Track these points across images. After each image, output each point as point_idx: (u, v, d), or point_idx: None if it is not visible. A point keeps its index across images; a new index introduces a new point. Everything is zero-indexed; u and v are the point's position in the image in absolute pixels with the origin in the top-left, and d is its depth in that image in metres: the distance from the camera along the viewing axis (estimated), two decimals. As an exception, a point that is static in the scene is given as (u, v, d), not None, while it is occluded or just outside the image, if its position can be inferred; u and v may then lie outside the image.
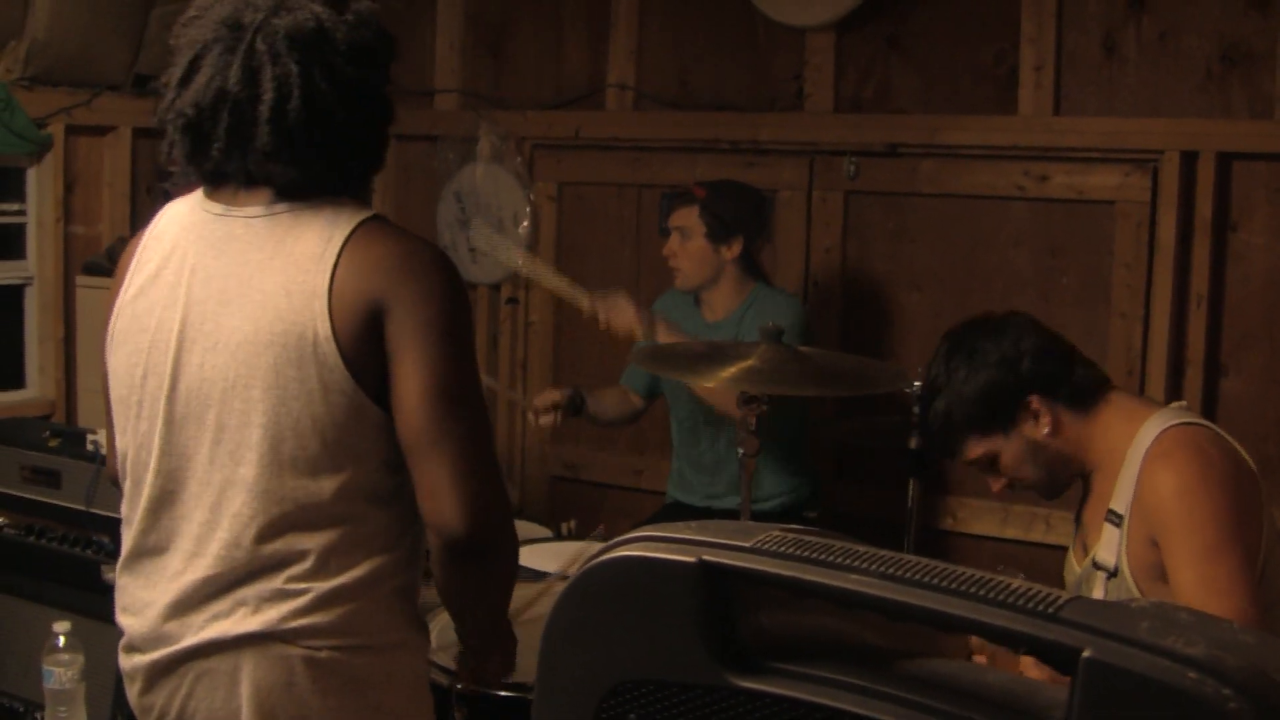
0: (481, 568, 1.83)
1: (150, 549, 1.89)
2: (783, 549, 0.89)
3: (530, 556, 3.12)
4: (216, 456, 1.82)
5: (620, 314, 3.54)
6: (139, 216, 4.55)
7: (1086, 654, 0.77)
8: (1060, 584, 2.52)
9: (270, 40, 1.78)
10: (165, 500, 1.86)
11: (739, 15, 4.29)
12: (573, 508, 4.29)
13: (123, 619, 1.93)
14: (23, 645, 3.32)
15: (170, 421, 1.84)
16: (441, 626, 2.52)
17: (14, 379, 4.48)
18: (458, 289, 1.85)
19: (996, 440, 2.38)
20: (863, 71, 4.19)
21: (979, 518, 4.09)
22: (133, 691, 1.92)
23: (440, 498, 1.75)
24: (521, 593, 2.43)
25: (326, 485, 1.80)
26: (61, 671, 2.79)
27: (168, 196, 2.02)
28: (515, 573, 1.95)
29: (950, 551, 4.09)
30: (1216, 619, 0.84)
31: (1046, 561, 2.84)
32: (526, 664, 1.69)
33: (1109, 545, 2.29)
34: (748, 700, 0.89)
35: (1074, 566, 2.47)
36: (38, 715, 3.18)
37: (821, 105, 4.23)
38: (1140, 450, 2.26)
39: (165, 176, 4.60)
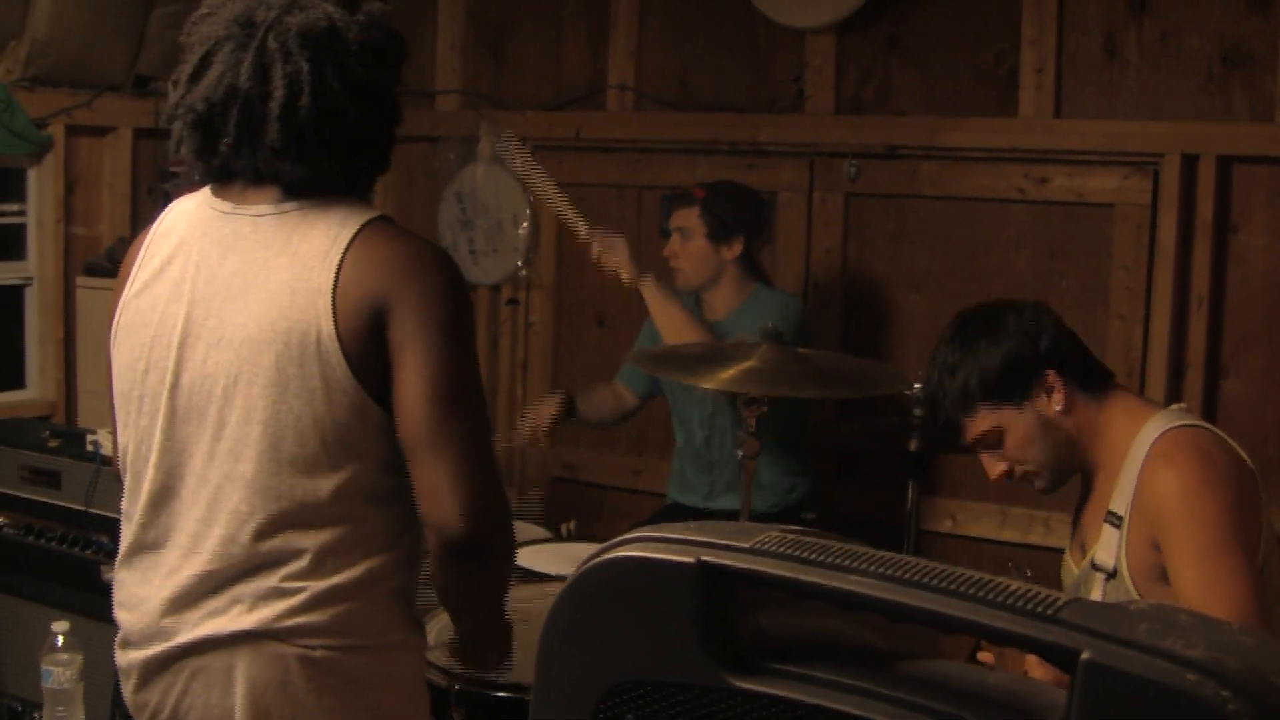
0: (480, 567, 1.83)
1: (149, 544, 1.89)
2: (781, 550, 0.89)
3: (529, 558, 3.12)
4: (216, 453, 1.82)
5: (614, 253, 3.56)
6: (139, 217, 4.56)
7: (1085, 656, 0.77)
8: (1058, 586, 2.52)
9: (282, 38, 1.79)
10: (165, 496, 1.87)
11: (739, 16, 4.29)
12: (572, 509, 4.28)
13: (119, 614, 1.93)
14: (22, 645, 3.33)
15: (171, 417, 1.85)
16: (439, 626, 2.52)
17: (14, 380, 4.48)
18: (461, 291, 1.85)
19: (1008, 413, 2.35)
20: (863, 73, 4.19)
21: (978, 520, 4.09)
22: (128, 688, 1.92)
23: (440, 498, 1.75)
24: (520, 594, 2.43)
25: (325, 484, 1.80)
26: (60, 671, 2.79)
27: (168, 197, 2.03)
28: (511, 572, 1.95)
29: (949, 553, 4.09)
30: (1216, 621, 0.84)
31: (1045, 563, 2.83)
32: (525, 664, 1.69)
33: (1108, 546, 2.29)
34: (746, 701, 0.89)
35: (1071, 568, 2.46)
36: (36, 715, 3.19)
37: (822, 107, 4.23)
38: (1141, 451, 2.26)
39: (166, 177, 4.60)
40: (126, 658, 1.91)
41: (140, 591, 1.89)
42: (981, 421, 2.38)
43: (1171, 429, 2.26)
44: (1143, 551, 2.23)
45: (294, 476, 1.79)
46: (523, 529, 3.39)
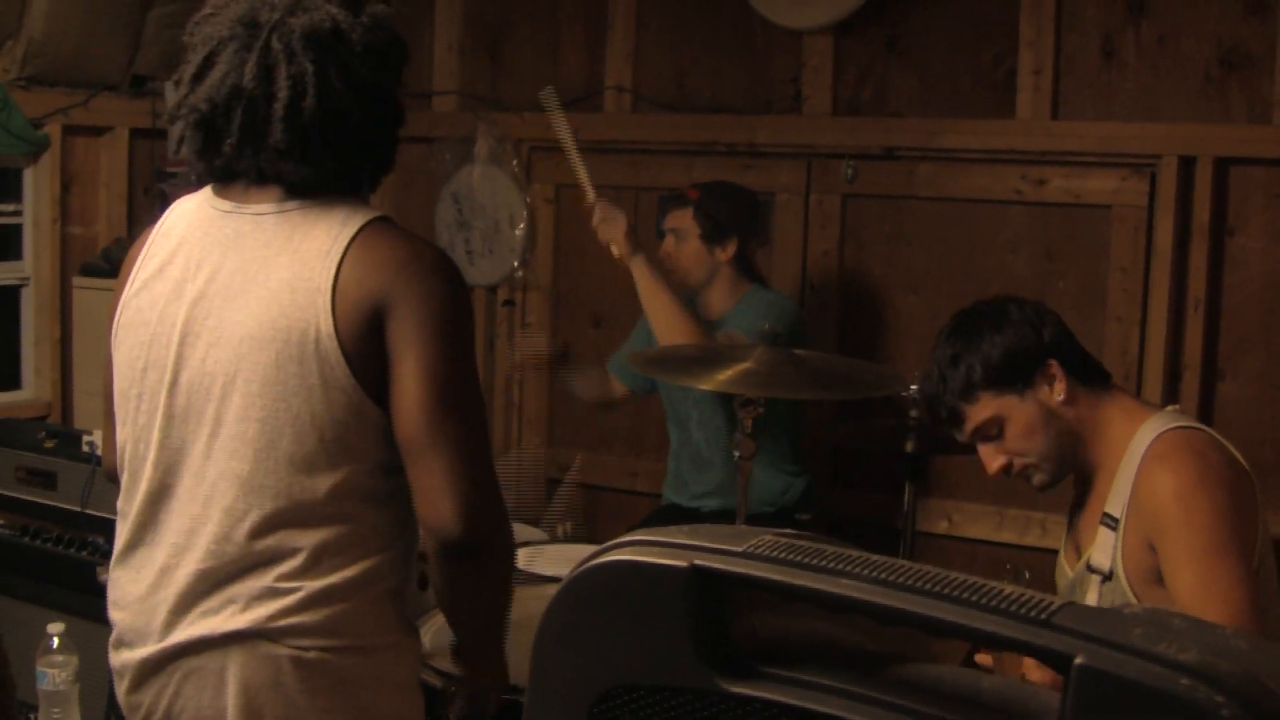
0: (476, 569, 1.83)
1: (144, 543, 1.89)
2: (774, 554, 0.89)
3: (524, 559, 3.12)
4: (212, 450, 1.82)
5: (611, 226, 3.55)
6: (136, 217, 4.55)
7: (1079, 660, 0.77)
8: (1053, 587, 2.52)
9: (286, 39, 1.79)
10: (162, 494, 1.87)
11: (737, 18, 4.29)
12: (568, 511, 4.28)
13: (113, 613, 1.93)
14: (17, 646, 3.32)
15: (170, 415, 1.85)
16: (436, 629, 2.51)
17: (10, 380, 4.48)
18: (460, 292, 1.86)
19: (1010, 401, 2.35)
20: (860, 74, 4.19)
21: (974, 521, 4.09)
22: (121, 689, 1.92)
23: (436, 499, 1.75)
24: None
25: (322, 483, 1.80)
26: (55, 673, 2.78)
27: (164, 197, 2.04)
28: (511, 575, 1.95)
29: (945, 555, 4.08)
30: (1210, 625, 0.84)
31: (1043, 565, 2.83)
32: (520, 666, 1.69)
33: (1104, 548, 2.29)
34: (739, 705, 0.89)
35: (1066, 570, 2.46)
36: (32, 716, 3.18)
37: (819, 108, 4.23)
38: (1137, 453, 2.26)
39: (163, 177, 4.60)
40: (120, 658, 1.91)
41: (134, 590, 1.89)
42: (983, 409, 2.37)
43: (1168, 431, 2.26)
44: (1139, 553, 2.23)
45: (291, 475, 1.79)
46: (519, 531, 3.39)
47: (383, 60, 1.87)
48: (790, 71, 4.28)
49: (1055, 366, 2.34)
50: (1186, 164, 3.70)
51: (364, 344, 1.78)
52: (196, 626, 1.82)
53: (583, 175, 3.65)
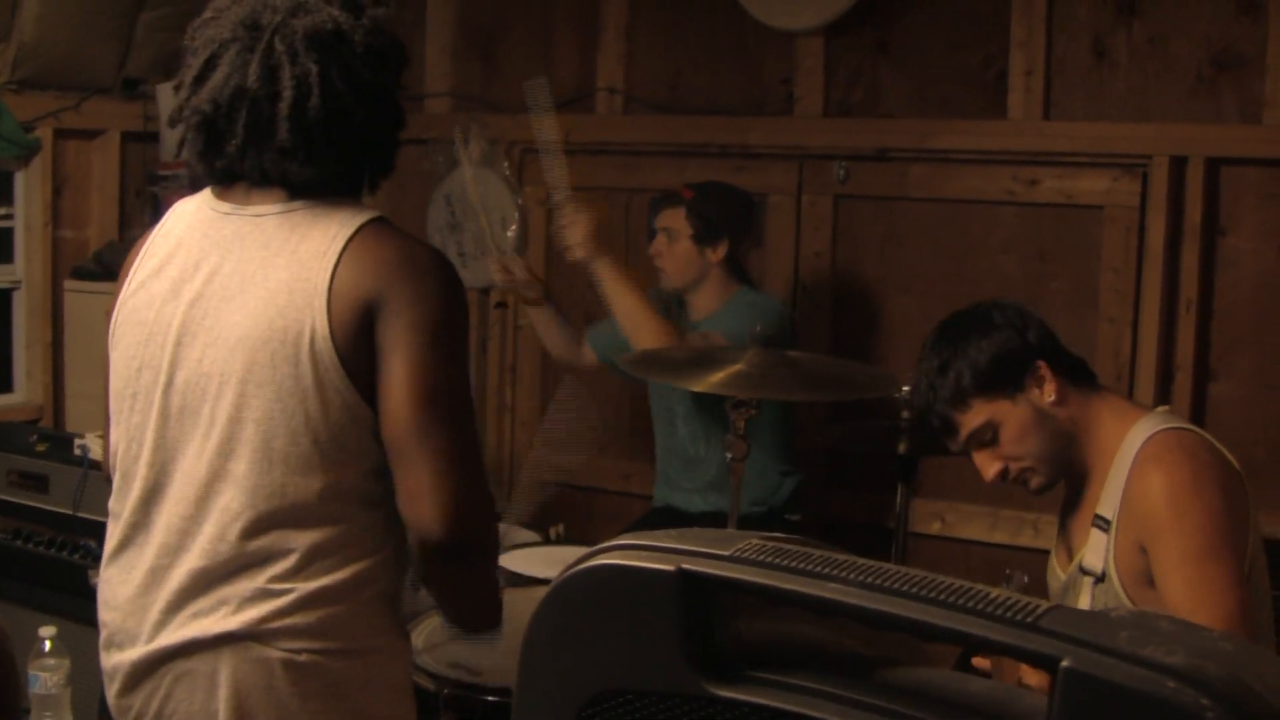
0: (462, 569, 1.83)
1: (136, 543, 1.88)
2: (762, 558, 0.89)
3: (517, 561, 3.11)
4: (206, 450, 1.81)
5: (576, 228, 3.47)
6: (128, 220, 4.55)
7: (1065, 664, 0.77)
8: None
9: (289, 40, 1.79)
10: (155, 494, 1.86)
11: (729, 20, 4.29)
12: (561, 513, 4.27)
13: (104, 614, 1.93)
14: (9, 650, 3.31)
15: (165, 415, 1.84)
16: (429, 630, 2.51)
17: (1, 383, 4.47)
18: (454, 294, 1.85)
19: (1002, 405, 2.36)
20: (852, 76, 4.19)
21: (967, 522, 4.09)
22: (111, 691, 1.91)
23: (420, 501, 1.75)
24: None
25: (315, 484, 1.80)
26: (47, 676, 2.77)
27: (156, 200, 2.03)
28: (495, 569, 1.95)
29: (938, 556, 4.08)
30: (1197, 627, 0.84)
31: (1035, 566, 2.83)
32: (510, 669, 1.68)
33: (1096, 550, 2.29)
34: (727, 709, 0.89)
35: (1058, 572, 2.46)
36: (24, 720, 3.18)
37: (811, 110, 4.23)
38: (1129, 454, 2.26)
39: (155, 180, 4.59)
40: (111, 660, 1.91)
41: (125, 590, 1.88)
42: (976, 415, 2.37)
43: (1160, 432, 2.26)
44: (1131, 555, 2.23)
45: (285, 475, 1.79)
46: (511, 532, 3.39)
47: (383, 62, 1.89)
48: (782, 73, 4.28)
49: (1044, 368, 2.35)
50: (1178, 164, 3.70)
51: (358, 344, 1.78)
52: (188, 628, 1.82)
53: (559, 173, 3.61)
